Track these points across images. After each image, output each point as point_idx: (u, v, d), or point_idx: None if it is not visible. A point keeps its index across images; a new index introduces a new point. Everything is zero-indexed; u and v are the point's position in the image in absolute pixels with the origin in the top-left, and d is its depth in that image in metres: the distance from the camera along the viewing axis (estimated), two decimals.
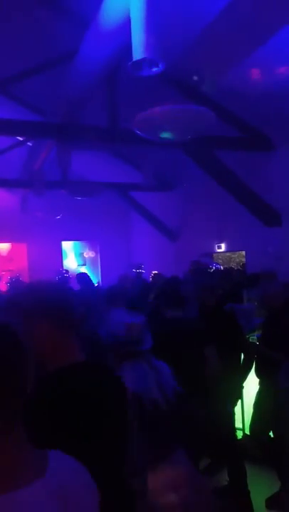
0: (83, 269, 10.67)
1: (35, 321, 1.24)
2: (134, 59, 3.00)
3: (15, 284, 7.36)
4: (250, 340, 3.61)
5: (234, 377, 3.11)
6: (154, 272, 7.96)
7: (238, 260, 9.86)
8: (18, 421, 0.77)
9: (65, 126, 5.49)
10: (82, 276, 6.17)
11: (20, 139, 8.03)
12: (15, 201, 10.03)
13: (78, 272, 7.44)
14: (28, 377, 0.79)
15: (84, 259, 12.25)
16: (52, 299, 1.30)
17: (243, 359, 3.24)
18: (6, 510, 0.69)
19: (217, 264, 8.24)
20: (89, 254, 12.31)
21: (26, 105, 7.51)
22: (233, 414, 3.27)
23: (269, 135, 6.25)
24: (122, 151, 8.41)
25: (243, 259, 8.89)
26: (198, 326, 2.72)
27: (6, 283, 8.38)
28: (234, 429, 3.33)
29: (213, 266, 7.58)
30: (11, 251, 11.44)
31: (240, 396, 3.43)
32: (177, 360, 2.55)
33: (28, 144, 8.11)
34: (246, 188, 6.52)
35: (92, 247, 12.29)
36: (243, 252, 8.74)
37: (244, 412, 3.62)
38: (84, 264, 11.99)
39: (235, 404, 3.36)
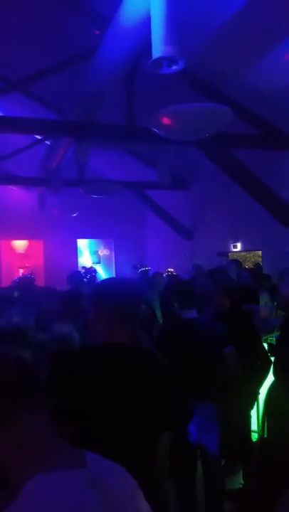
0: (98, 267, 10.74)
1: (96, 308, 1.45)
2: (153, 57, 2.98)
3: (24, 281, 7.41)
4: (269, 341, 3.56)
5: (250, 379, 3.07)
6: (169, 270, 7.94)
7: (253, 260, 9.75)
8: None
9: (82, 124, 5.51)
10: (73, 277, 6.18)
11: (39, 137, 8.10)
12: (32, 199, 10.13)
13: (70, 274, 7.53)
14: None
15: (98, 257, 12.31)
16: (118, 294, 1.48)
17: (260, 362, 3.20)
18: (48, 489, 0.68)
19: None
20: (103, 252, 12.36)
21: (45, 104, 7.58)
22: (249, 416, 3.24)
23: (287, 133, 6.14)
24: (139, 150, 8.39)
25: (259, 259, 8.78)
26: (217, 327, 2.69)
27: (14, 281, 8.43)
28: (250, 432, 3.29)
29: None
30: (27, 248, 11.57)
31: (256, 399, 3.39)
32: (195, 363, 2.54)
33: (46, 142, 8.17)
34: (263, 187, 6.43)
35: (107, 245, 12.33)
36: (259, 252, 8.63)
37: (260, 414, 3.58)
38: (98, 262, 12.05)
39: (252, 407, 3.33)
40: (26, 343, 2.99)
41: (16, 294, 5.92)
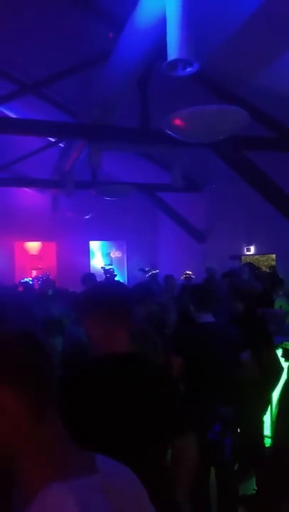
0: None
1: (91, 313, 1.39)
2: (169, 59, 2.98)
3: (45, 282, 7.54)
4: (284, 346, 3.52)
5: (263, 384, 3.03)
6: (187, 272, 7.90)
7: (267, 263, 9.65)
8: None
9: (96, 127, 5.54)
10: (87, 278, 6.20)
11: (53, 140, 8.17)
12: (46, 201, 10.22)
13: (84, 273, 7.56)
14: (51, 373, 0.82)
15: (110, 259, 12.34)
16: (111, 295, 1.45)
17: (273, 366, 3.16)
18: (60, 496, 0.68)
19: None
20: (116, 254, 12.39)
21: (59, 106, 7.64)
22: (262, 421, 3.20)
23: None
24: (152, 152, 8.40)
25: (273, 263, 8.68)
26: (233, 332, 2.66)
27: (37, 281, 8.60)
28: (263, 437, 3.25)
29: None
30: (40, 249, 11.67)
31: (269, 404, 3.35)
32: (211, 367, 2.51)
33: (60, 144, 8.24)
34: (278, 189, 6.37)
35: (119, 247, 12.36)
36: (273, 256, 8.54)
37: (273, 419, 3.53)
38: (110, 264, 12.08)
39: (265, 413, 3.28)
40: (62, 334, 3.05)
41: (50, 292, 6.08)
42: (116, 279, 8.74)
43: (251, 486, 3.12)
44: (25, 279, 8.60)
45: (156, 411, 1.28)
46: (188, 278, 7.36)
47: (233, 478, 2.67)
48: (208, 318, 2.66)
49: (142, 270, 9.72)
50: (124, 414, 1.21)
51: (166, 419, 1.31)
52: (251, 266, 6.76)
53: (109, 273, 7.61)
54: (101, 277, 8.74)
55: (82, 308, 1.46)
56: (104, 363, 1.31)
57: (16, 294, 7.33)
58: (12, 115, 8.32)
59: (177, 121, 3.57)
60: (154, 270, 9.64)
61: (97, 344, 1.38)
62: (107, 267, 10.71)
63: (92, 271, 10.22)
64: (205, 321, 2.65)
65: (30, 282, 8.25)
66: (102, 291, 1.49)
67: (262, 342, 3.08)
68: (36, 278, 9.53)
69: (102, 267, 9.87)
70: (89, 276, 6.16)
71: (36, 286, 8.38)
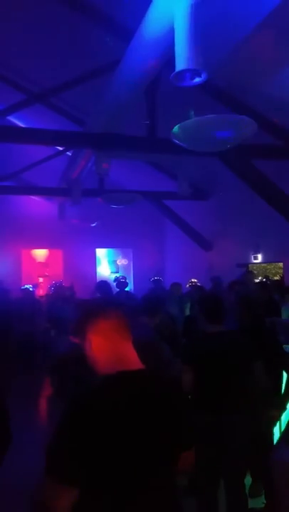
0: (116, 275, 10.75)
1: (97, 325, 1.30)
2: (177, 69, 3.00)
3: (57, 289, 7.63)
4: None
5: (274, 395, 2.99)
6: (193, 280, 7.88)
7: (274, 272, 9.58)
8: None
9: (104, 136, 5.58)
10: (102, 285, 6.19)
11: (60, 148, 8.23)
12: (53, 209, 10.28)
13: (99, 280, 7.55)
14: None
15: (117, 266, 12.34)
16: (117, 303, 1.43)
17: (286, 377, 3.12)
18: None
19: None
20: (122, 261, 12.39)
21: (67, 116, 7.71)
22: (272, 434, 3.14)
23: None
24: (159, 161, 8.43)
25: (280, 271, 8.63)
26: (245, 341, 2.64)
27: (50, 287, 8.67)
28: (272, 448, 3.19)
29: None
30: (47, 257, 11.71)
31: (280, 416, 3.30)
32: (222, 376, 2.49)
33: (68, 153, 8.30)
34: (285, 198, 6.34)
35: (126, 255, 12.36)
36: (280, 264, 8.48)
37: (282, 430, 3.47)
38: (117, 272, 12.07)
39: (275, 424, 3.23)
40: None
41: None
42: (127, 287, 8.73)
43: (261, 500, 3.07)
44: (26, 286, 8.65)
45: (169, 429, 1.25)
46: (194, 286, 7.33)
47: (242, 491, 2.63)
48: (218, 327, 2.63)
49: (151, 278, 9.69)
50: (141, 435, 1.18)
51: (178, 437, 1.28)
52: (253, 274, 6.76)
53: (120, 281, 7.60)
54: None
55: (86, 318, 1.34)
56: (120, 384, 1.22)
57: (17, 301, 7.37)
58: (20, 124, 8.42)
59: (185, 131, 3.57)
60: (158, 277, 9.61)
61: (102, 360, 1.29)
62: (118, 275, 10.70)
63: (99, 278, 10.23)
64: (216, 331, 2.62)
65: (31, 289, 8.28)
66: (109, 301, 1.46)
67: (271, 351, 3.04)
68: (36, 285, 9.61)
69: (115, 277, 9.86)
70: (103, 284, 6.16)
71: (41, 293, 8.43)
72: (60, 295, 7.04)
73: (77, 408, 1.16)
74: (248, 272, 7.13)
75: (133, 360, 1.30)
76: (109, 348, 1.29)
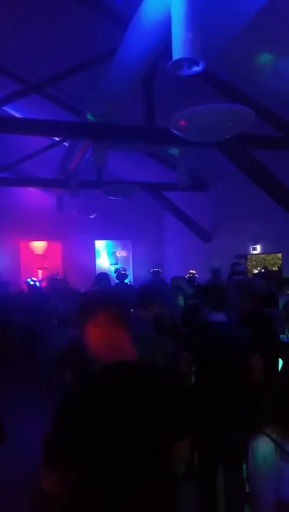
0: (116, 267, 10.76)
1: (96, 315, 1.33)
2: (174, 58, 2.95)
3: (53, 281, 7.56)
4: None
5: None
6: (191, 272, 7.90)
7: (272, 262, 9.59)
8: None
9: (102, 126, 5.52)
10: (101, 277, 6.21)
11: (57, 139, 8.16)
12: (51, 201, 10.23)
13: (99, 272, 7.56)
14: None
15: (116, 258, 12.34)
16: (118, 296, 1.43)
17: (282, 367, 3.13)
18: None
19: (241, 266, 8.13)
20: (121, 253, 12.38)
21: (64, 106, 7.63)
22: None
23: None
24: (158, 151, 8.37)
25: (279, 262, 8.63)
26: (245, 333, 2.64)
27: (45, 280, 8.60)
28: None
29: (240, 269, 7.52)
30: (46, 249, 11.70)
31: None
32: (221, 366, 2.50)
33: (65, 144, 8.24)
34: (284, 188, 6.32)
35: (125, 247, 12.35)
36: (279, 255, 8.48)
37: None
38: (116, 264, 12.08)
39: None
40: None
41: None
42: (126, 279, 8.74)
43: None
44: (32, 279, 8.61)
45: (163, 418, 1.26)
46: (191, 278, 7.34)
47: (241, 478, 2.65)
48: (220, 317, 2.65)
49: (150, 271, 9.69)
50: (135, 423, 1.19)
51: (172, 426, 1.29)
52: (239, 265, 6.87)
53: (120, 273, 7.61)
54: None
55: (86, 309, 1.38)
56: (115, 373, 1.25)
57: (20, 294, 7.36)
58: (17, 115, 8.33)
59: (181, 122, 3.54)
60: (158, 268, 9.61)
61: (100, 350, 1.32)
62: (118, 267, 10.69)
63: (98, 270, 10.22)
64: (218, 320, 2.64)
65: (32, 283, 8.24)
66: (107, 293, 1.46)
67: (269, 341, 3.06)
68: (42, 278, 9.55)
69: (114, 269, 9.88)
70: (103, 276, 6.16)
71: (42, 285, 8.40)
72: (55, 287, 7.01)
73: (73, 396, 1.19)
74: (235, 264, 7.18)
75: (129, 352, 1.32)
76: (106, 340, 1.31)
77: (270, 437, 1.31)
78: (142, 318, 2.75)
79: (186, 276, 7.59)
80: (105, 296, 1.46)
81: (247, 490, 2.73)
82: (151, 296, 2.90)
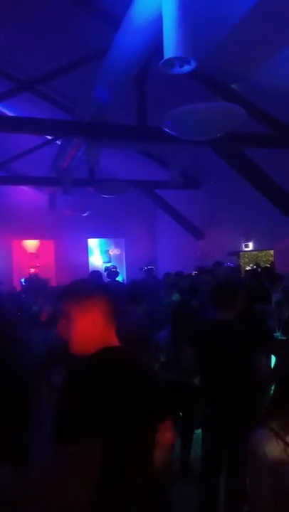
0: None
1: (91, 305, 1.33)
2: (165, 57, 2.97)
3: (32, 281, 7.46)
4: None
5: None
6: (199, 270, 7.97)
7: (265, 259, 9.67)
8: None
9: (93, 124, 5.52)
10: (94, 275, 6.24)
11: (49, 137, 8.14)
12: (43, 199, 10.20)
13: (92, 270, 7.57)
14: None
15: (109, 256, 12.34)
16: (107, 288, 1.44)
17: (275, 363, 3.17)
18: None
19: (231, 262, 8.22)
20: (114, 251, 12.39)
21: (56, 104, 7.60)
22: None
23: None
24: (150, 149, 8.38)
25: (271, 258, 8.71)
26: (251, 331, 2.62)
27: (24, 280, 8.44)
28: None
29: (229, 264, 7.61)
30: (38, 248, 11.65)
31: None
32: (225, 364, 2.49)
33: (57, 142, 8.21)
34: (275, 186, 6.38)
35: (118, 245, 12.35)
36: (271, 251, 8.56)
37: None
38: (109, 262, 12.08)
39: None
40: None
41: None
42: (118, 277, 8.75)
43: None
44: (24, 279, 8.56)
45: (150, 404, 1.32)
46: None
47: (242, 481, 2.66)
48: (226, 315, 2.62)
49: (140, 268, 9.74)
50: (127, 408, 1.23)
51: (157, 411, 1.36)
52: (221, 264, 6.99)
53: (110, 271, 7.62)
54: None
55: (72, 295, 1.36)
56: (105, 358, 1.28)
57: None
58: (8, 113, 8.28)
59: (175, 119, 3.55)
60: (150, 266, 9.64)
61: (85, 341, 1.32)
62: (109, 265, 10.71)
63: (91, 269, 10.23)
64: (224, 319, 2.62)
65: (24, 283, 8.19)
66: (94, 280, 1.48)
67: (262, 338, 3.09)
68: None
69: (105, 267, 9.88)
70: (96, 274, 6.18)
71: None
72: (33, 288, 6.90)
73: (75, 379, 1.21)
74: (217, 263, 7.26)
75: (115, 342, 1.36)
76: (94, 330, 1.32)
77: (272, 432, 1.34)
78: (133, 313, 2.76)
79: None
80: (94, 286, 1.46)
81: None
82: (141, 293, 2.91)
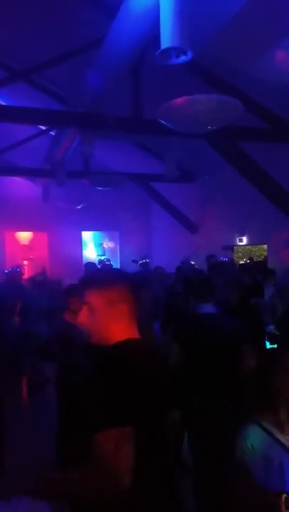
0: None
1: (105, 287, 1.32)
2: (162, 47, 2.92)
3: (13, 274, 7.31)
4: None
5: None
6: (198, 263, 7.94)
7: (258, 254, 9.71)
8: None
9: (88, 115, 5.46)
10: (90, 266, 6.26)
11: (43, 128, 8.04)
12: (37, 190, 10.10)
13: (87, 262, 7.53)
14: None
15: (103, 249, 12.30)
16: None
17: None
18: None
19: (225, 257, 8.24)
20: (108, 244, 12.35)
21: (50, 94, 7.50)
22: None
23: None
24: (145, 142, 8.32)
25: (264, 253, 8.74)
26: (234, 323, 2.63)
27: (6, 273, 8.24)
28: None
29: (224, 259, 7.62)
30: (32, 240, 11.58)
31: None
32: (210, 358, 2.50)
33: (51, 133, 8.12)
34: (270, 180, 6.37)
35: (112, 238, 12.31)
36: (265, 246, 8.58)
37: None
38: (103, 255, 12.05)
39: None
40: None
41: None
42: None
43: None
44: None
45: (168, 393, 1.34)
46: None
47: (229, 467, 2.69)
48: (208, 308, 2.62)
49: (135, 261, 9.73)
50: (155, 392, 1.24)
51: (172, 399, 1.39)
52: (214, 258, 7.03)
53: (104, 264, 7.59)
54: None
55: (92, 282, 1.35)
56: (133, 348, 1.28)
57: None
58: (2, 102, 8.16)
59: (170, 111, 3.52)
60: (145, 260, 9.63)
61: (106, 330, 1.31)
62: (102, 258, 10.68)
63: (85, 262, 10.19)
64: (205, 312, 2.62)
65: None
66: (116, 269, 1.48)
67: (255, 332, 3.10)
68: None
69: (99, 260, 9.83)
70: (91, 265, 6.16)
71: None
72: (13, 280, 6.80)
73: (107, 367, 1.21)
74: (210, 257, 7.28)
75: (137, 334, 1.35)
76: (120, 322, 1.31)
77: (260, 425, 1.34)
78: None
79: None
80: (116, 275, 1.44)
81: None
82: (139, 283, 2.89)
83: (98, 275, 1.44)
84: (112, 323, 1.30)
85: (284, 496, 1.28)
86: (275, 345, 3.34)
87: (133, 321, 1.34)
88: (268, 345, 3.48)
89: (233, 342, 2.54)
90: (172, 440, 1.63)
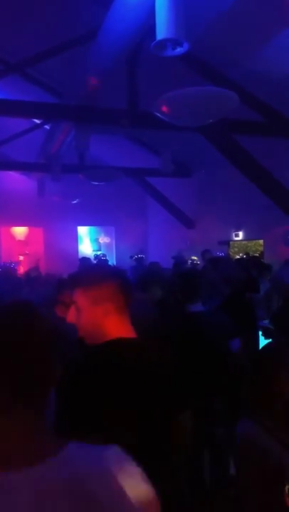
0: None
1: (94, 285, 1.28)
2: (157, 38, 2.88)
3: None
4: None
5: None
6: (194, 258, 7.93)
7: (254, 249, 9.70)
8: (21, 399, 0.77)
9: (83, 108, 5.40)
10: (86, 261, 6.24)
11: (38, 121, 7.97)
12: (32, 185, 10.02)
13: (82, 257, 7.49)
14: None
15: (99, 244, 12.27)
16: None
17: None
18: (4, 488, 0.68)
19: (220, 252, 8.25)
20: (104, 239, 12.31)
21: (44, 87, 7.43)
22: None
23: None
24: (141, 136, 8.27)
25: (260, 248, 8.74)
26: (224, 321, 2.59)
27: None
28: None
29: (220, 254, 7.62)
30: (27, 235, 11.52)
31: None
32: (202, 358, 2.47)
33: (46, 127, 8.05)
34: (267, 175, 6.35)
35: (108, 233, 12.28)
36: (261, 241, 8.58)
37: None
38: (99, 250, 12.01)
39: None
40: None
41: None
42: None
43: None
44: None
45: (162, 393, 1.27)
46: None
47: (226, 463, 2.69)
48: (197, 307, 2.58)
49: (132, 258, 9.70)
50: (144, 400, 1.20)
51: (172, 399, 1.31)
52: (209, 253, 7.00)
53: (100, 259, 7.56)
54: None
55: (77, 282, 1.31)
56: (115, 348, 1.22)
57: None
58: None
59: (166, 103, 3.49)
60: (140, 255, 9.60)
61: (93, 329, 1.27)
62: (98, 253, 10.66)
63: (80, 256, 10.15)
64: (195, 311, 2.57)
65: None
66: (105, 266, 1.42)
67: (249, 327, 3.09)
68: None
69: (94, 255, 9.79)
70: (86, 260, 6.13)
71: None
72: (7, 276, 6.78)
73: (76, 372, 1.16)
74: (205, 252, 7.27)
75: (130, 333, 1.29)
76: (106, 322, 1.27)
77: (256, 422, 1.33)
78: (145, 300, 2.70)
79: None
80: (105, 273, 1.39)
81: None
82: (148, 280, 2.84)
83: (84, 274, 1.38)
84: (99, 322, 1.26)
85: (287, 487, 1.27)
86: (270, 340, 3.34)
87: (124, 319, 1.29)
88: (262, 340, 3.49)
89: (223, 338, 2.51)
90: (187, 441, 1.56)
